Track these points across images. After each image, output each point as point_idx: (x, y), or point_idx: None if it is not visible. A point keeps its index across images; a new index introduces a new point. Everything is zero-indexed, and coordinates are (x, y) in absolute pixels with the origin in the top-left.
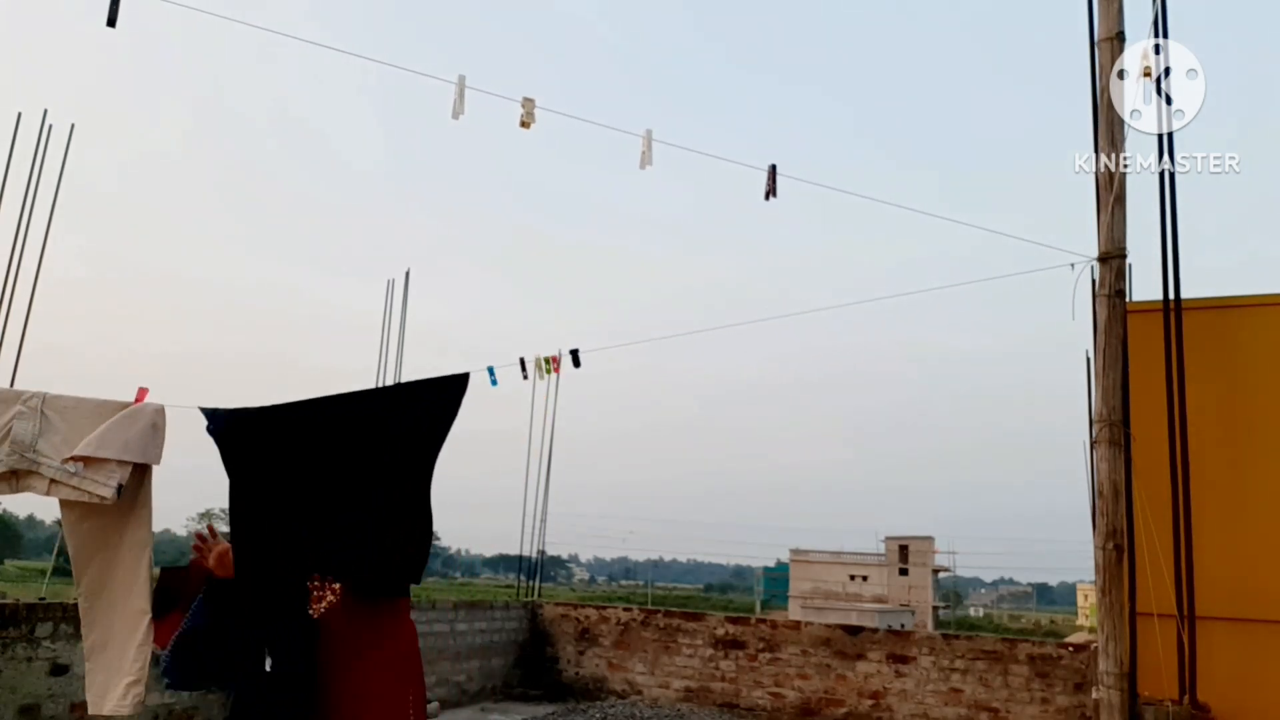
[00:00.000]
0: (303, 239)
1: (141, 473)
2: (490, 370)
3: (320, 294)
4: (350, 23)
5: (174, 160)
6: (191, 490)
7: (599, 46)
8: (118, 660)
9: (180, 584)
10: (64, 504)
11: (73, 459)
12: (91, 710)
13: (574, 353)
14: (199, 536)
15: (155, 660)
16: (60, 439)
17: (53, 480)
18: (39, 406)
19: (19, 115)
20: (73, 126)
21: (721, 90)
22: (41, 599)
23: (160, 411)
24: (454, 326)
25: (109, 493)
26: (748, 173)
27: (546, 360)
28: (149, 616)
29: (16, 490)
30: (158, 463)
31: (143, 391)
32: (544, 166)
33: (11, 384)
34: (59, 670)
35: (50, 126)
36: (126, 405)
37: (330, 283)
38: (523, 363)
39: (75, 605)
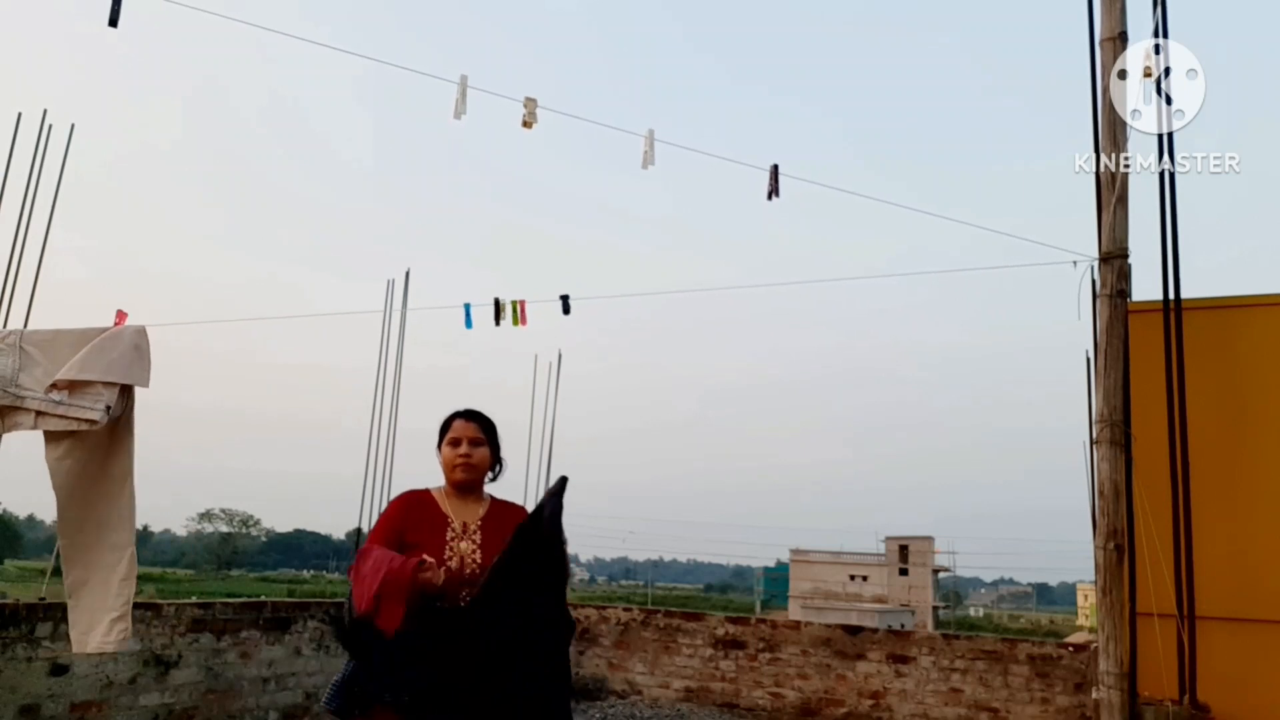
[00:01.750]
0: (301, 238)
1: (126, 398)
2: (466, 308)
3: (319, 293)
4: (345, 22)
5: (168, 157)
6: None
7: (590, 51)
8: (100, 596)
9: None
10: (49, 439)
11: (56, 386)
12: (76, 649)
13: (564, 298)
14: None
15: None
16: (42, 371)
17: (39, 412)
18: (16, 343)
19: (19, 115)
20: (73, 126)
21: (713, 94)
22: (41, 599)
23: (141, 332)
24: (454, 326)
25: (98, 415)
26: (747, 173)
27: (515, 305)
28: (131, 550)
29: (5, 429)
30: (145, 384)
31: (121, 315)
32: (543, 166)
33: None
34: (59, 670)
35: (50, 126)
36: (105, 330)
37: (329, 282)
38: (497, 304)
39: None
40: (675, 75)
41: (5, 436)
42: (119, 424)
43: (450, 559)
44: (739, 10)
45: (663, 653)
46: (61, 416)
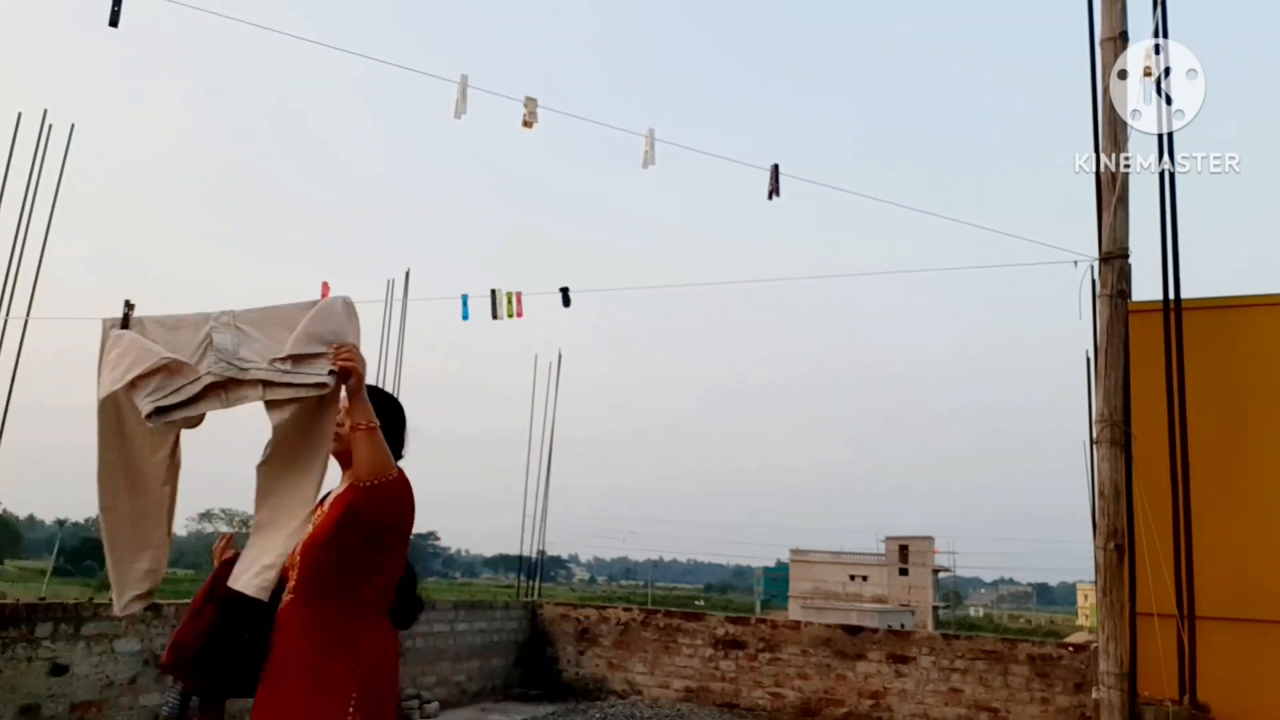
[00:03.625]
0: (300, 238)
1: None
2: (464, 299)
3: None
4: (345, 22)
5: (170, 159)
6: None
7: (590, 51)
8: (270, 541)
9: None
10: (270, 406)
11: (282, 359)
12: (233, 585)
13: (564, 290)
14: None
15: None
16: (261, 345)
17: (266, 383)
18: (231, 321)
19: (19, 115)
20: (73, 126)
21: (713, 93)
22: (41, 599)
23: (348, 301)
24: (454, 327)
25: (325, 378)
26: (748, 173)
27: (510, 296)
28: (312, 507)
29: (229, 403)
30: (358, 344)
31: (326, 286)
32: (543, 166)
33: (11, 386)
34: (59, 670)
35: (50, 126)
36: (314, 302)
37: (329, 283)
38: (494, 295)
39: (75, 605)
40: (676, 75)
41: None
42: (333, 389)
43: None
44: (738, 9)
45: (663, 653)
46: (288, 384)
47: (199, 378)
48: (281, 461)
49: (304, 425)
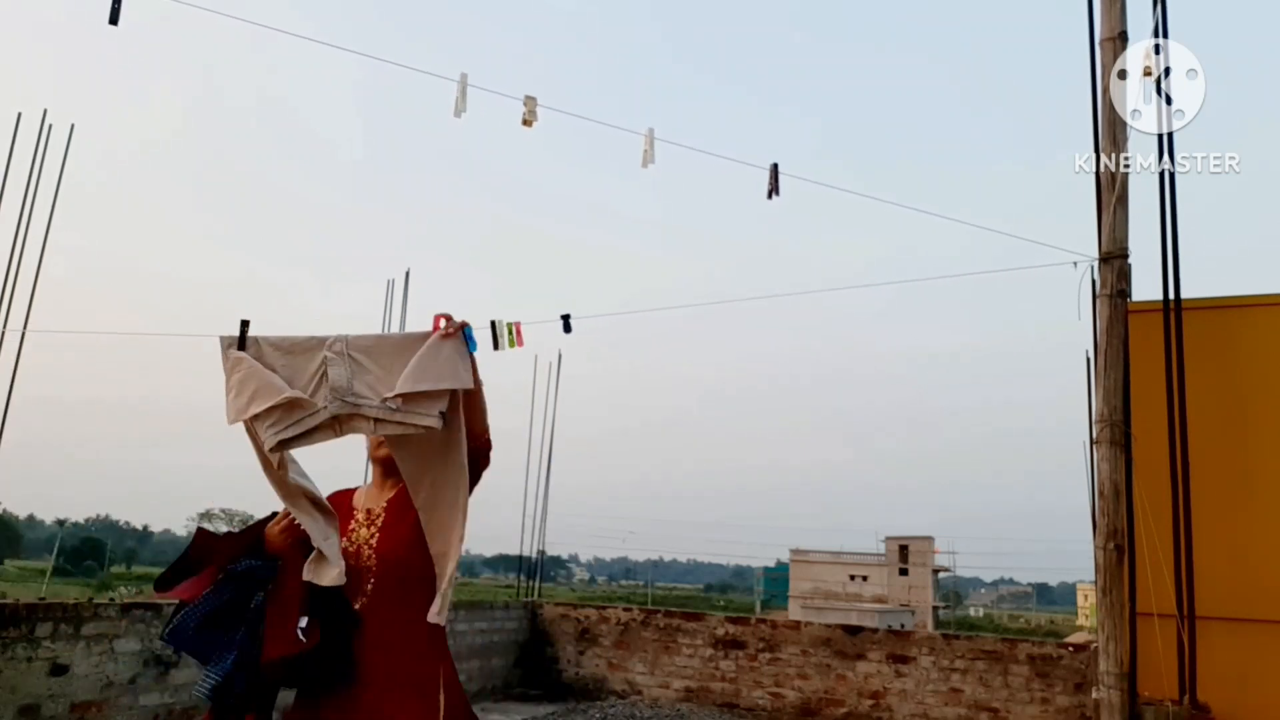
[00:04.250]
0: (300, 239)
1: (454, 398)
2: (467, 332)
3: (318, 295)
4: (343, 21)
5: (162, 156)
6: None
7: (589, 51)
8: (449, 570)
9: (213, 547)
10: (390, 438)
11: (393, 397)
12: (430, 619)
13: (565, 318)
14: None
15: (176, 612)
16: (372, 378)
17: (377, 419)
18: (344, 350)
19: (19, 115)
20: (73, 126)
21: (709, 97)
22: (41, 599)
23: (458, 335)
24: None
25: (434, 422)
26: (746, 173)
27: (509, 326)
28: (462, 538)
29: (341, 434)
30: (471, 385)
31: (438, 319)
32: (542, 166)
33: (11, 383)
34: (59, 670)
35: (50, 125)
36: (425, 335)
37: (326, 283)
38: (494, 326)
39: (75, 605)
40: (674, 77)
41: None
42: (453, 422)
43: (349, 548)
44: (737, 12)
45: (663, 653)
46: (400, 423)
47: (317, 411)
48: (430, 495)
49: (434, 460)
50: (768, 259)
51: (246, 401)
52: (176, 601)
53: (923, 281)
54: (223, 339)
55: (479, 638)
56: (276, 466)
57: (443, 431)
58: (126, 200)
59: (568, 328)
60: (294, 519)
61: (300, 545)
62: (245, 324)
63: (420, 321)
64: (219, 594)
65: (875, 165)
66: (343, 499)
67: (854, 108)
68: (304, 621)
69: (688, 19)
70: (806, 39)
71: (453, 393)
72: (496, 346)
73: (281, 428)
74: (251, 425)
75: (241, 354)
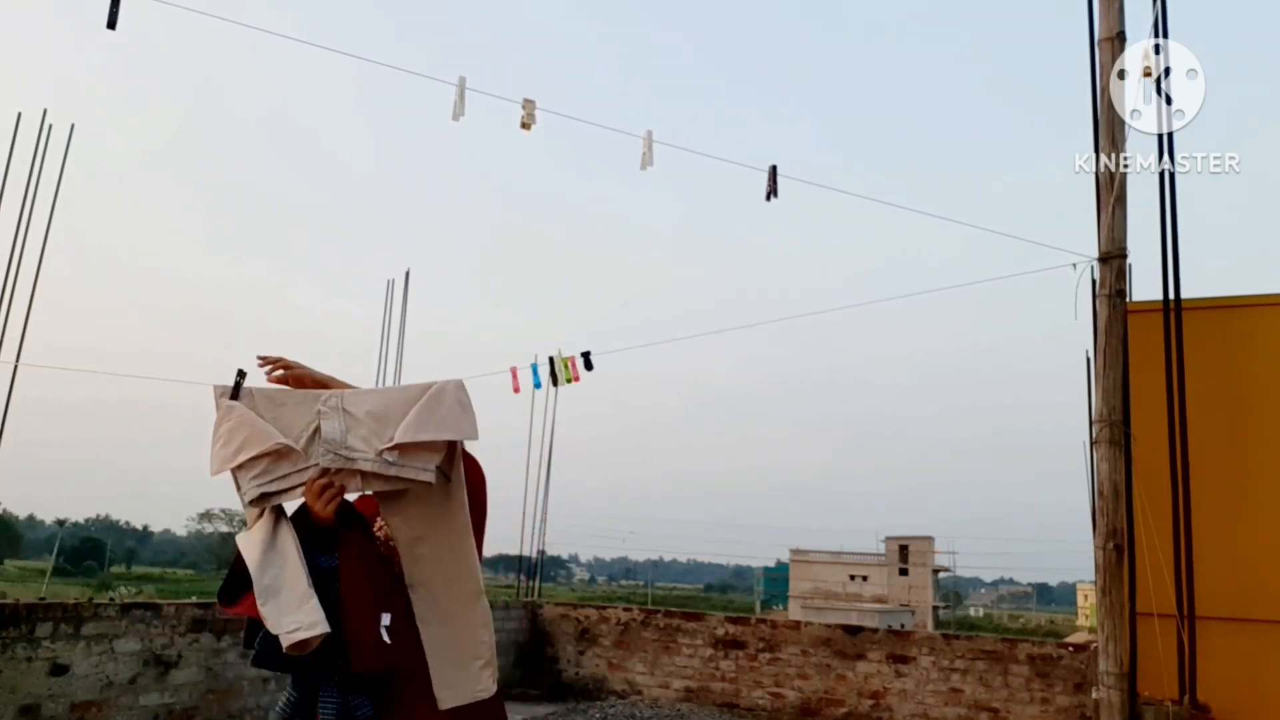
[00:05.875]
0: (301, 239)
1: (452, 454)
2: (534, 369)
3: (319, 295)
4: (342, 24)
5: (162, 158)
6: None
7: (588, 54)
8: (466, 647)
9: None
10: (382, 499)
11: (390, 449)
12: (447, 705)
13: (585, 355)
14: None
15: (250, 631)
16: (367, 431)
17: (367, 474)
18: (339, 405)
19: (19, 115)
20: (73, 126)
21: (708, 97)
22: (41, 599)
23: (461, 386)
24: (452, 327)
25: (429, 476)
26: (745, 174)
27: (565, 362)
28: (484, 599)
29: None
30: (475, 437)
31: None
32: (541, 168)
33: (11, 385)
34: (59, 670)
35: (50, 126)
36: (424, 386)
37: (325, 284)
38: (536, 369)
39: (75, 605)
40: (672, 78)
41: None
42: (451, 478)
43: (380, 529)
44: (736, 13)
45: (663, 653)
46: (394, 478)
47: (306, 467)
48: (430, 566)
49: (431, 523)
50: (768, 259)
51: (234, 450)
52: (246, 619)
53: (924, 279)
54: (216, 389)
55: None
56: (250, 524)
57: (440, 491)
58: (127, 201)
59: (589, 365)
60: (330, 479)
61: (346, 514)
62: (241, 374)
63: (420, 322)
64: None
65: (875, 165)
66: (368, 502)
67: (853, 108)
68: (386, 619)
69: (687, 19)
70: (806, 38)
71: (452, 447)
72: (556, 383)
73: (266, 480)
74: (236, 476)
75: (234, 403)
